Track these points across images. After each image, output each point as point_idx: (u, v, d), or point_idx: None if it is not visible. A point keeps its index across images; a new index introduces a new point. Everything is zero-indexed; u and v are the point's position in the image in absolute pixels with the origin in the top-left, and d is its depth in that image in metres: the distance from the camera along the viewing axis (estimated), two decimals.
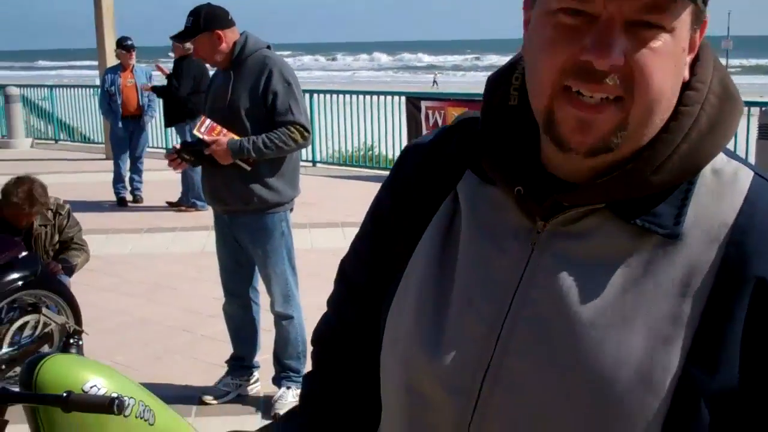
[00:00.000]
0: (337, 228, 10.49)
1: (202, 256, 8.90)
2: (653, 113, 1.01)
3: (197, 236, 9.85)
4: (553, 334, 1.04)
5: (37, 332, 5.18)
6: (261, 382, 5.40)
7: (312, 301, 7.33)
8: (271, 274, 4.98)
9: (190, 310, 7.08)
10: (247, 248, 4.99)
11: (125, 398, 2.01)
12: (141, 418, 2.34)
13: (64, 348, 2.34)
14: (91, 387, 2.19)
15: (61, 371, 2.21)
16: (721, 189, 1.06)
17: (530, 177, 1.10)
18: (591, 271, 1.05)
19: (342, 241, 10.11)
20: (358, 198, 12.75)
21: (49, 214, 5.75)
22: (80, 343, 2.35)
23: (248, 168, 4.70)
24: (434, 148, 1.25)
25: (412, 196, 1.23)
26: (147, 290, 7.69)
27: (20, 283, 5.09)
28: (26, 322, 5.16)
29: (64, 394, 2.02)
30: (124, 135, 11.67)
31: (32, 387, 2.19)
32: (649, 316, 1.02)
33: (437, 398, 1.10)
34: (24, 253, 5.18)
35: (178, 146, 4.84)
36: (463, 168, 1.19)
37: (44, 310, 5.16)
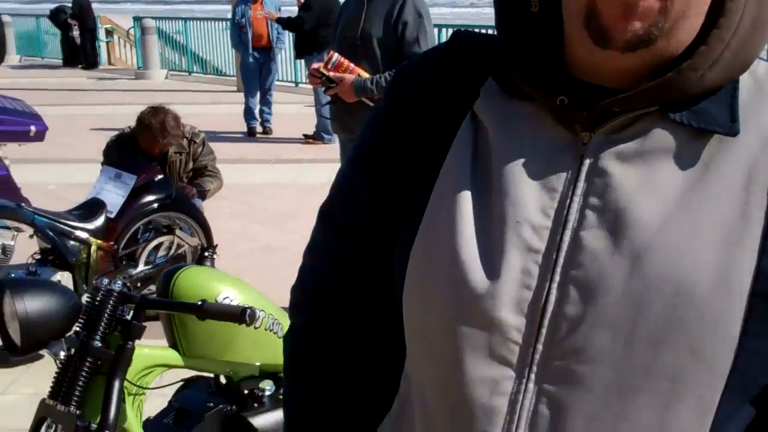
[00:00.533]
0: None
1: (329, 188, 9.02)
2: (691, 6, 0.98)
3: (324, 168, 9.98)
4: (622, 241, 0.99)
5: (171, 253, 5.40)
6: None
7: None
8: None
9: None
10: None
11: (257, 310, 2.08)
12: (270, 330, 2.42)
13: (199, 261, 2.43)
14: (224, 298, 2.27)
15: (196, 282, 2.30)
16: (760, 87, 1.04)
17: (569, 86, 1.04)
18: (650, 177, 1.00)
19: None
20: None
21: (184, 143, 5.91)
22: (214, 257, 2.44)
23: (371, 104, 4.74)
24: (434, 69, 1.16)
25: (417, 124, 1.14)
26: (275, 219, 7.86)
27: (156, 205, 5.29)
28: (161, 243, 5.38)
29: (200, 303, 2.10)
30: (255, 67, 11.86)
31: (169, 296, 2.29)
32: (717, 216, 0.98)
33: (498, 324, 1.02)
34: (160, 177, 5.36)
35: (321, 67, 4.88)
36: (476, 85, 1.11)
37: (178, 231, 5.36)
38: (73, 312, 2.16)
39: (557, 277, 1.01)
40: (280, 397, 2.46)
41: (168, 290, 2.29)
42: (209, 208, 6.09)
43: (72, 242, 4.90)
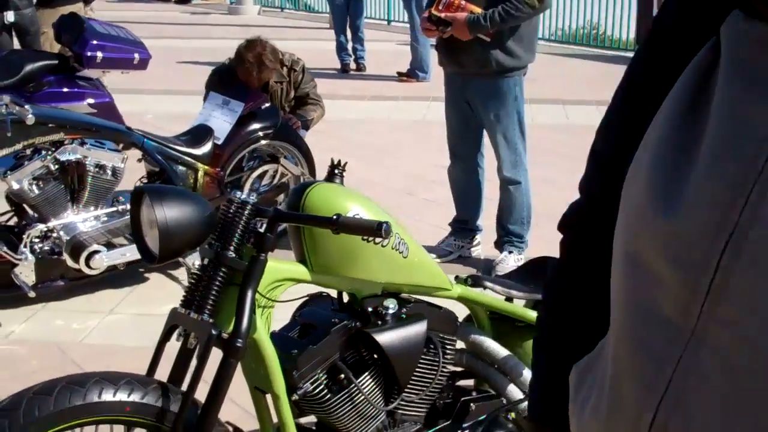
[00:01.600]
0: (558, 105, 10.29)
1: (423, 125, 9.00)
2: None
3: (418, 106, 9.93)
4: None
5: (275, 181, 5.44)
6: (482, 246, 5.45)
7: (533, 174, 7.30)
8: (501, 138, 4.97)
9: (412, 174, 7.20)
10: (479, 111, 4.98)
11: (391, 225, 2.07)
12: (396, 249, 2.42)
13: (329, 178, 2.43)
14: (355, 215, 2.26)
15: (327, 198, 2.30)
16: None
17: None
18: None
19: (563, 118, 9.94)
20: (581, 77, 12.49)
21: (284, 71, 5.91)
22: (343, 174, 2.43)
23: (488, 39, 4.68)
24: None
25: (668, 47, 1.06)
26: (371, 154, 7.86)
27: (261, 133, 5.32)
28: (265, 171, 5.42)
29: (335, 217, 2.10)
30: (342, 3, 11.83)
31: (300, 211, 2.29)
32: None
33: (663, 271, 0.93)
34: (267, 105, 5.38)
35: (432, 9, 4.81)
36: (728, 6, 0.98)
37: (282, 160, 5.39)
38: (209, 222, 2.18)
39: (735, 236, 0.88)
40: (403, 315, 2.46)
41: (299, 205, 2.30)
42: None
43: (180, 167, 4.96)
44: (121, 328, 4.41)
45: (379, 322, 2.42)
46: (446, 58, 5.02)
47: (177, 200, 2.13)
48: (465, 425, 2.59)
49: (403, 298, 2.54)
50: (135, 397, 2.07)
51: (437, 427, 2.58)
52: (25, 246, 4.43)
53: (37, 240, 4.49)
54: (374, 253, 2.37)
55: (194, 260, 2.23)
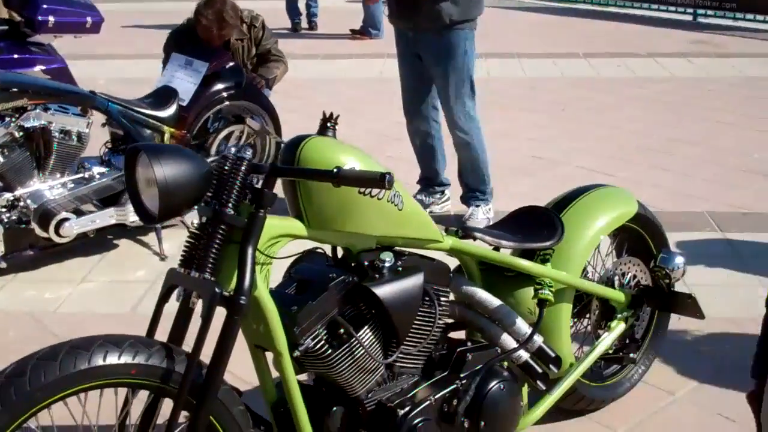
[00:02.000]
0: (514, 59, 10.30)
1: (380, 82, 8.96)
2: None
3: (374, 63, 9.88)
4: None
5: (241, 142, 5.37)
6: (453, 201, 5.45)
7: (491, 128, 7.29)
8: (451, 94, 4.94)
9: (375, 132, 7.17)
10: (429, 66, 4.95)
11: (393, 175, 2.05)
12: (391, 202, 2.40)
13: (321, 131, 2.39)
14: (351, 168, 2.23)
15: (323, 151, 2.26)
16: None
17: None
18: None
19: (519, 71, 9.96)
20: (534, 30, 12.51)
21: (244, 28, 5.80)
22: (336, 127, 2.40)
23: None
24: None
25: None
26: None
27: (226, 94, 5.25)
28: (231, 132, 5.35)
29: (335, 170, 2.08)
30: None
31: (295, 165, 2.26)
32: None
33: None
34: (231, 64, 5.30)
35: None
36: None
37: (248, 120, 5.32)
38: (206, 179, 2.13)
39: None
40: (399, 268, 2.45)
41: (293, 160, 2.26)
42: None
43: (146, 130, 4.88)
44: (95, 296, 4.35)
45: (377, 276, 2.40)
46: (396, 14, 4.99)
47: (174, 157, 2.08)
48: (462, 375, 2.59)
49: (398, 251, 2.53)
50: (140, 359, 2.04)
51: (434, 379, 2.58)
52: None
53: (3, 210, 4.40)
54: (370, 207, 2.36)
55: (193, 219, 2.18)
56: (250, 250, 2.13)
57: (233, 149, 2.21)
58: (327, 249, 2.56)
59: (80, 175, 4.67)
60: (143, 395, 2.19)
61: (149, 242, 4.98)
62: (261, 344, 2.36)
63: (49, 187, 4.53)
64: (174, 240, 4.96)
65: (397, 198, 2.42)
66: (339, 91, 8.82)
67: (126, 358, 2.02)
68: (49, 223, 4.39)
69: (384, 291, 2.37)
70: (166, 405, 2.17)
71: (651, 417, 3.24)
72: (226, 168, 2.18)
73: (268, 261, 2.25)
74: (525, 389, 2.82)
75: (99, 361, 1.99)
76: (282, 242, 2.29)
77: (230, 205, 2.14)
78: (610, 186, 3.22)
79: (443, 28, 4.79)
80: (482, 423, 2.57)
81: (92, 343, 2.01)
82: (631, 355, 3.22)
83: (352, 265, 2.47)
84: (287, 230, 2.29)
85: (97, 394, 2.09)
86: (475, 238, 2.73)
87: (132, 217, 4.70)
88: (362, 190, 2.31)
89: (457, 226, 2.73)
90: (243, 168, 2.16)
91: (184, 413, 2.12)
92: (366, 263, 2.42)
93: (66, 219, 4.44)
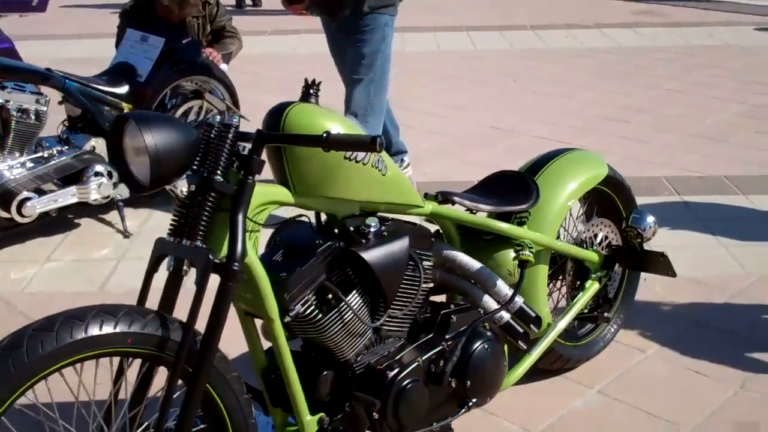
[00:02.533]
0: (463, 32, 10.35)
1: (330, 57, 8.93)
2: None
3: (321, 39, 9.84)
4: None
5: (200, 117, 5.33)
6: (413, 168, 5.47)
7: (448, 100, 7.33)
8: (357, 75, 4.86)
9: (331, 105, 7.14)
10: (347, 45, 4.90)
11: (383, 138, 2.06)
12: (375, 167, 2.41)
13: (304, 98, 2.38)
14: (336, 133, 2.23)
15: (308, 117, 2.25)
16: None
17: None
18: None
19: (468, 44, 10.00)
20: (482, 2, 12.57)
21: (199, 5, 5.75)
22: (318, 93, 2.39)
23: None
24: None
25: None
26: (286, 87, 7.76)
27: (183, 69, 5.20)
28: (190, 108, 5.31)
29: (324, 134, 2.08)
30: None
31: (280, 132, 2.26)
32: None
33: None
34: (187, 39, 5.25)
35: None
36: None
37: (207, 96, 5.28)
38: (195, 147, 2.12)
39: None
40: (384, 233, 2.47)
41: (279, 126, 2.26)
42: None
43: (104, 107, 4.82)
44: (61, 275, 4.30)
45: (363, 241, 2.42)
46: (315, 7, 4.93)
47: (163, 125, 2.07)
48: (447, 337, 2.62)
49: (381, 217, 2.55)
50: (136, 328, 2.03)
51: (420, 341, 2.61)
52: None
53: None
54: (355, 172, 2.37)
55: (181, 188, 2.16)
56: (240, 217, 2.13)
57: (218, 117, 2.20)
58: (310, 217, 2.56)
59: (39, 154, 4.61)
60: (136, 366, 2.18)
61: (112, 220, 4.93)
62: (251, 311, 2.37)
63: (8, 167, 4.46)
64: (137, 218, 4.93)
65: (381, 163, 2.44)
66: (289, 66, 8.79)
67: (122, 327, 2.01)
68: (11, 203, 4.33)
69: (371, 255, 2.39)
70: (160, 374, 2.17)
71: (625, 374, 3.31)
72: (213, 136, 2.17)
73: (256, 228, 2.25)
74: (505, 350, 2.87)
75: (95, 330, 1.97)
76: (269, 209, 2.29)
77: (219, 172, 2.14)
78: (581, 150, 3.27)
79: (362, 13, 4.71)
80: (468, 382, 2.61)
81: (87, 313, 1.99)
82: (605, 314, 3.29)
83: (336, 231, 2.48)
84: (274, 197, 2.29)
85: (92, 365, 2.08)
86: (453, 203, 2.75)
87: (94, 195, 4.65)
88: (348, 155, 2.31)
89: (437, 191, 2.75)
90: (230, 135, 2.16)
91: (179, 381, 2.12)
92: (351, 229, 2.43)
93: (28, 198, 4.38)
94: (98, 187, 4.66)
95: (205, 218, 2.13)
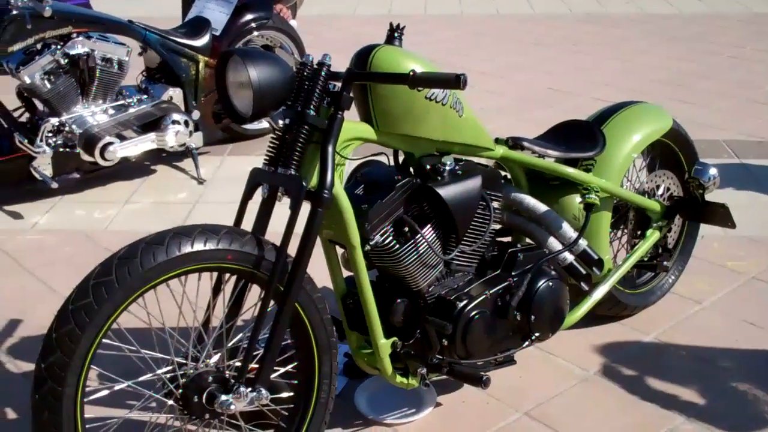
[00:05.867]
0: None
1: (390, 17, 9.07)
2: None
3: (381, 0, 9.99)
4: None
5: None
6: None
7: (506, 61, 7.37)
8: None
9: None
10: None
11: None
12: (453, 108, 2.57)
13: (388, 40, 2.55)
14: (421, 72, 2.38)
15: (394, 58, 2.41)
16: None
17: None
18: None
19: (527, 8, 10.07)
20: None
21: None
22: (402, 36, 2.55)
23: None
24: None
25: None
26: (343, 48, 7.93)
27: (255, 24, 5.38)
28: None
29: (410, 73, 2.24)
30: None
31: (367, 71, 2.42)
32: None
33: None
34: None
35: None
36: None
37: (277, 50, 5.46)
38: (291, 82, 2.30)
39: None
40: (458, 171, 2.63)
41: (366, 66, 2.43)
42: None
43: (182, 59, 5.03)
44: (141, 216, 4.54)
45: (439, 178, 2.59)
46: None
47: (265, 61, 2.25)
48: (514, 273, 2.78)
49: (456, 157, 2.71)
50: (235, 246, 2.22)
51: (488, 276, 2.78)
52: (41, 140, 4.51)
53: (50, 134, 4.57)
54: (435, 112, 2.53)
55: (278, 119, 2.34)
56: (330, 149, 2.30)
57: (311, 57, 2.38)
58: (388, 156, 2.73)
59: (121, 102, 4.84)
60: (230, 285, 2.38)
61: (186, 168, 5.15)
62: (335, 239, 2.55)
63: (92, 113, 4.69)
64: (209, 165, 5.14)
65: (458, 105, 2.60)
66: (350, 27, 8.93)
67: (223, 245, 2.20)
68: (95, 147, 4.57)
69: (446, 192, 2.55)
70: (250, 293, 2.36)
71: (680, 323, 3.44)
72: (307, 73, 2.34)
73: (342, 162, 2.43)
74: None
75: (200, 246, 2.17)
76: (354, 144, 2.47)
77: (312, 107, 2.31)
78: (647, 103, 3.39)
79: None
80: (532, 317, 2.77)
81: (193, 231, 2.19)
82: (664, 263, 3.42)
83: (412, 170, 2.65)
84: (359, 133, 2.47)
85: (194, 279, 2.28)
86: (523, 148, 2.90)
87: (171, 142, 4.88)
88: (429, 96, 2.48)
89: (508, 137, 2.90)
90: (323, 73, 2.33)
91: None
92: (428, 167, 2.60)
93: (110, 143, 4.61)
94: (175, 135, 4.88)
95: (298, 150, 2.31)
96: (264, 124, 5.53)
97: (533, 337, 2.81)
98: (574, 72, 7.29)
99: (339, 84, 2.36)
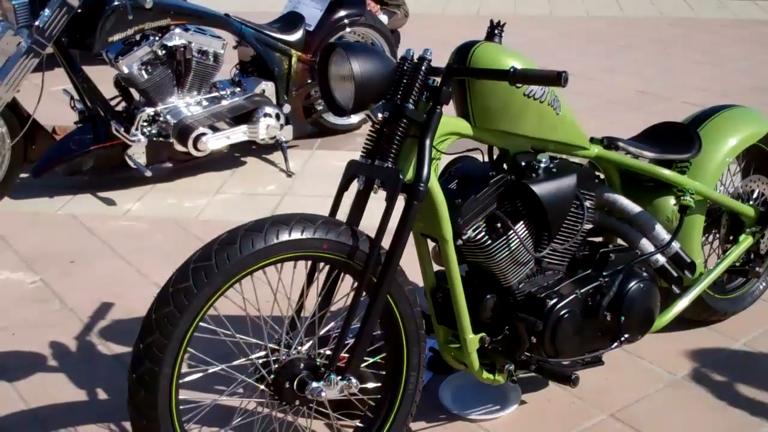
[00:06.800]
0: None
1: (479, 18, 9.06)
2: None
3: (472, 2, 9.97)
4: None
5: None
6: None
7: (596, 63, 7.23)
8: None
9: None
10: None
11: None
12: (551, 105, 2.57)
13: (488, 37, 2.56)
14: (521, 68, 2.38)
15: (494, 54, 2.43)
16: None
17: None
18: None
19: (617, 10, 9.95)
20: None
21: None
22: (503, 34, 2.56)
23: None
24: None
25: None
26: (431, 46, 7.96)
27: (347, 20, 5.44)
28: None
29: (511, 69, 2.25)
30: None
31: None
32: None
33: None
34: None
35: None
36: None
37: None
38: (391, 77, 2.33)
39: None
40: (553, 169, 2.63)
41: (465, 62, 2.44)
42: None
43: (275, 53, 5.11)
44: (231, 206, 4.63)
45: (533, 176, 2.59)
46: None
47: (368, 54, 2.29)
48: (605, 273, 2.77)
49: (551, 155, 2.71)
50: (331, 236, 2.26)
51: (578, 276, 2.77)
52: (136, 129, 4.63)
53: (145, 124, 4.69)
54: (532, 109, 2.53)
55: (378, 112, 2.37)
56: (427, 143, 2.32)
57: (412, 51, 2.40)
58: (483, 151, 2.74)
59: (214, 94, 4.94)
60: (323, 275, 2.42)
61: (275, 160, 5.23)
62: (427, 233, 2.57)
63: (186, 104, 4.79)
64: (298, 159, 5.21)
65: (556, 102, 2.59)
66: (439, 26, 8.95)
67: (320, 234, 2.24)
68: (188, 137, 4.67)
69: (541, 189, 2.56)
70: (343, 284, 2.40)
71: None
72: (407, 68, 2.37)
73: (438, 156, 2.45)
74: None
75: (298, 234, 2.21)
76: (451, 139, 2.48)
77: (411, 101, 2.33)
78: (744, 106, 3.33)
79: None
80: (623, 318, 2.75)
81: (291, 219, 2.23)
82: (756, 269, 3.36)
83: (506, 166, 2.65)
84: (456, 128, 2.48)
85: (290, 267, 2.32)
86: (618, 148, 2.88)
87: (262, 135, 4.96)
88: (527, 92, 2.48)
89: (603, 136, 2.88)
90: (423, 68, 2.35)
91: None
92: (523, 164, 2.60)
93: (203, 134, 4.71)
94: (266, 128, 4.96)
95: (396, 143, 2.34)
96: (353, 119, 5.58)
97: (622, 339, 2.79)
98: (664, 75, 7.19)
99: (438, 79, 2.38)
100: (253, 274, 2.21)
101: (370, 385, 2.53)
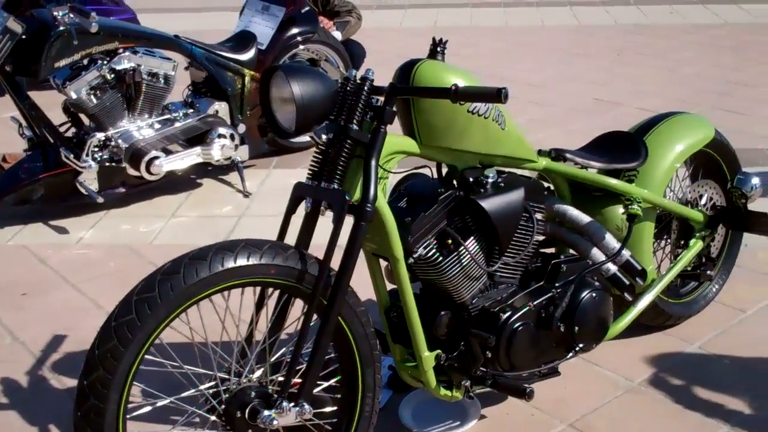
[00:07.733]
0: (566, 7, 10.37)
1: (435, 30, 9.09)
2: None
3: (427, 12, 10.00)
4: None
5: None
6: None
7: (553, 71, 7.30)
8: None
9: None
10: None
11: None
12: (496, 121, 2.57)
13: (431, 55, 2.56)
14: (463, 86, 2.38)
15: (436, 72, 2.43)
16: None
17: None
18: None
19: (572, 19, 10.03)
20: None
21: None
22: (445, 51, 2.56)
23: None
24: None
25: None
26: (388, 60, 7.97)
27: (300, 38, 5.43)
28: None
29: (452, 87, 2.24)
30: None
31: (410, 85, 2.43)
32: None
33: None
34: (305, 9, 5.47)
35: None
36: None
37: (322, 63, 5.51)
38: (334, 97, 2.32)
39: None
40: (501, 184, 2.63)
41: (408, 81, 2.44)
42: None
43: (228, 73, 5.09)
44: (187, 230, 4.59)
45: (482, 191, 2.59)
46: None
47: (309, 76, 2.27)
48: (557, 284, 2.77)
49: (498, 169, 2.71)
50: (278, 261, 2.24)
51: (531, 288, 2.77)
52: (87, 155, 4.58)
53: (96, 149, 4.64)
54: (478, 125, 2.53)
55: (321, 134, 2.36)
56: (373, 163, 2.31)
57: (354, 71, 2.40)
58: (431, 169, 2.74)
59: (167, 117, 4.90)
60: (272, 300, 2.40)
61: (231, 181, 5.20)
62: (378, 252, 2.56)
63: (138, 128, 4.76)
64: (255, 179, 5.19)
65: (501, 118, 2.60)
66: (396, 40, 8.97)
67: (266, 259, 2.22)
68: (141, 161, 4.63)
69: (489, 204, 2.56)
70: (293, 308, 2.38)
71: (725, 332, 3.41)
72: (349, 88, 2.36)
73: (385, 175, 2.44)
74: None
75: (243, 260, 2.19)
76: (397, 158, 2.48)
77: (355, 121, 2.32)
78: (689, 113, 3.37)
79: None
80: (576, 328, 2.75)
81: (236, 246, 2.21)
82: (708, 272, 3.39)
83: (455, 182, 2.65)
84: (403, 147, 2.48)
85: (237, 294, 2.30)
86: (566, 159, 2.89)
87: (216, 156, 4.93)
88: (471, 109, 2.48)
89: (550, 148, 2.89)
90: (366, 88, 2.34)
91: None
92: (471, 179, 2.60)
93: (156, 157, 4.67)
94: (221, 149, 4.94)
95: (341, 164, 2.33)
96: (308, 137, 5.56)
97: (577, 348, 2.80)
98: (619, 82, 7.25)
99: (382, 98, 2.38)
100: (199, 303, 2.18)
101: (327, 409, 2.51)
